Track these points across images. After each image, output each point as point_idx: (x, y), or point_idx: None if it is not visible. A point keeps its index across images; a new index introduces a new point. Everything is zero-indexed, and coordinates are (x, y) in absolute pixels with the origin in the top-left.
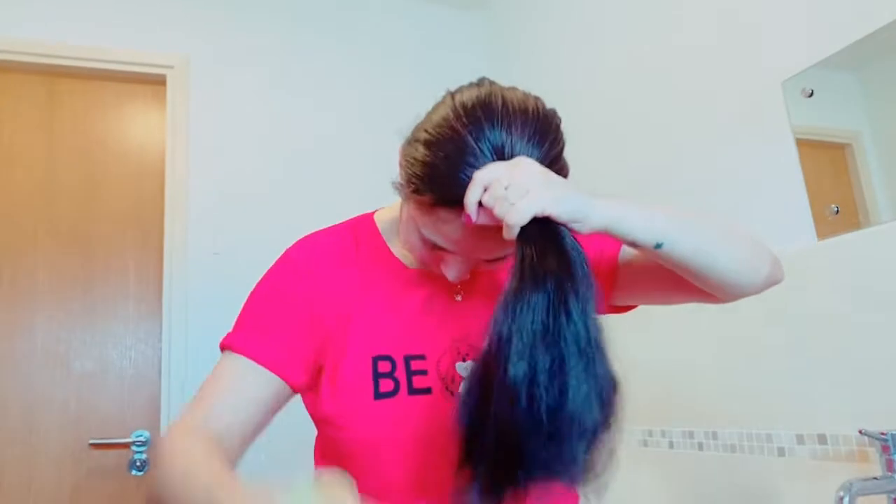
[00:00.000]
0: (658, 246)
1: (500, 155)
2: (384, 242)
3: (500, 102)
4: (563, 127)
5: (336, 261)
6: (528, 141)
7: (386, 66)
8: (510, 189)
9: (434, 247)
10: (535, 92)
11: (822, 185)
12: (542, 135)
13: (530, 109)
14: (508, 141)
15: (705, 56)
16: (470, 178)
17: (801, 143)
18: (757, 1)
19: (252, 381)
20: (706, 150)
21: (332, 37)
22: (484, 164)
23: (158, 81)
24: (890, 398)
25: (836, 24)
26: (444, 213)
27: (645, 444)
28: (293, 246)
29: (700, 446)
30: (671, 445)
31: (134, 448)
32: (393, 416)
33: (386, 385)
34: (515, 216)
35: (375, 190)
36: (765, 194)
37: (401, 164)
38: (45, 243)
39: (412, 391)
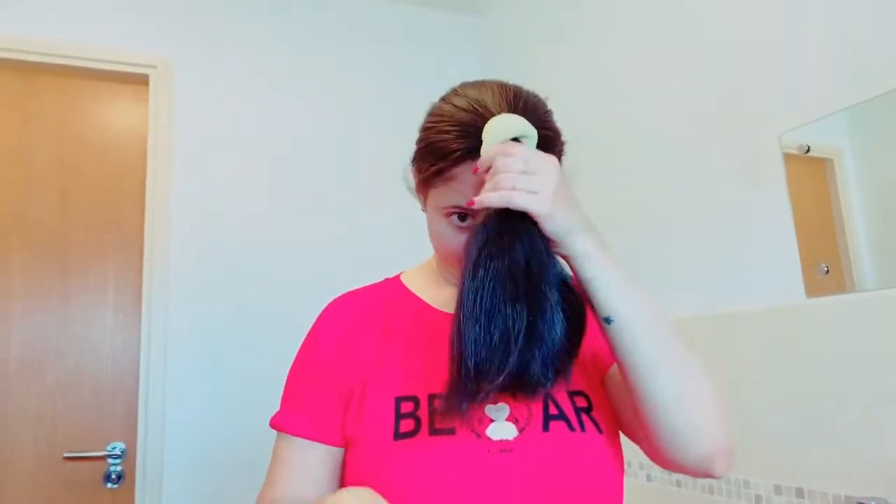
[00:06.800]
0: (607, 320)
1: (474, 108)
2: (408, 289)
3: (477, 81)
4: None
5: (360, 316)
6: (502, 97)
7: (377, 70)
8: (526, 174)
9: (460, 222)
10: None
11: (813, 243)
12: (515, 97)
13: (509, 83)
14: (481, 96)
15: (702, 108)
16: (455, 127)
17: (796, 201)
18: (758, 58)
19: (303, 455)
20: (700, 200)
21: (321, 41)
22: (463, 115)
23: (140, 81)
24: (866, 462)
25: (835, 84)
26: (452, 171)
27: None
28: (320, 314)
29: (678, 483)
30: (649, 479)
31: (109, 461)
32: (412, 457)
33: (406, 425)
34: (510, 199)
35: (363, 191)
36: (757, 248)
37: (412, 172)
38: (20, 247)
39: (433, 431)
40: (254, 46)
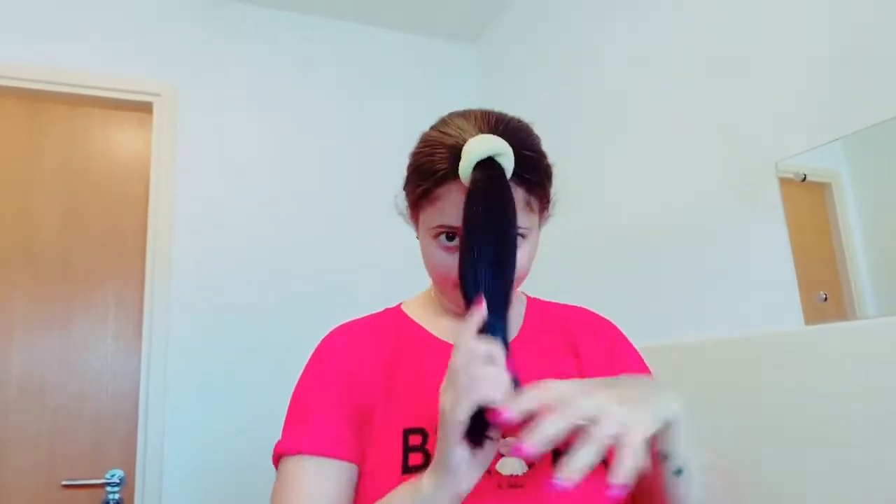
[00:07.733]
0: (678, 472)
1: (458, 132)
2: (412, 319)
3: (465, 110)
4: (544, 144)
5: (365, 343)
6: (484, 122)
7: (376, 98)
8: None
9: (448, 242)
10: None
11: (811, 270)
12: (497, 122)
13: (495, 110)
14: (465, 121)
15: (699, 135)
16: (439, 150)
17: (793, 227)
18: (755, 86)
19: (315, 473)
20: (697, 227)
21: (321, 69)
22: (447, 139)
23: (145, 109)
24: (868, 491)
25: (832, 112)
26: (437, 191)
27: None
28: (322, 339)
29: None
30: None
31: (108, 488)
32: None
33: (415, 459)
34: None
35: (363, 218)
36: (754, 274)
37: (403, 197)
38: (23, 273)
39: None
40: (255, 74)
